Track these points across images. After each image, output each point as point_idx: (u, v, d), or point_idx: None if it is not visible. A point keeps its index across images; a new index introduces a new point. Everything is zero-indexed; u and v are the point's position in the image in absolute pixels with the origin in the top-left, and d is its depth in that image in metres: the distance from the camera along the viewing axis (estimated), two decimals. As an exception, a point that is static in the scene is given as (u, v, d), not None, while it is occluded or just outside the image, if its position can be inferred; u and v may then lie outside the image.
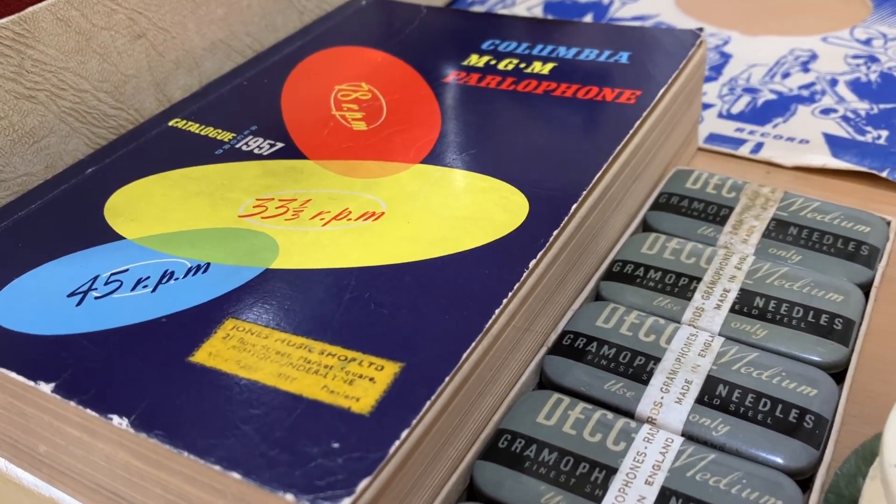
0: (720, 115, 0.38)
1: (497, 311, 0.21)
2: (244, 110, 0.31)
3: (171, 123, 0.31)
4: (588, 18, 0.47)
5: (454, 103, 0.31)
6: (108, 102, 0.30)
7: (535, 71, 0.32)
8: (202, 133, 0.30)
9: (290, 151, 0.29)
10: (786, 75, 0.40)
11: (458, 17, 0.37)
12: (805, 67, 0.41)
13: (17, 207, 0.27)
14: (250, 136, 0.30)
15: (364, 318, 0.22)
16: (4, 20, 0.26)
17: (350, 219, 0.25)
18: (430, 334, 0.21)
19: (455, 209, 0.25)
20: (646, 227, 0.30)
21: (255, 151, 0.29)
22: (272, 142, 0.29)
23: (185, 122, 0.31)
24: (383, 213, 0.25)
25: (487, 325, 0.21)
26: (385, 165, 0.28)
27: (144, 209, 0.26)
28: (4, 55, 0.26)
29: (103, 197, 0.27)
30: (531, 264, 0.23)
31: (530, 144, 0.28)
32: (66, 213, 0.26)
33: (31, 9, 0.27)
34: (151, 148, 0.30)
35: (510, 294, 0.22)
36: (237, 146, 0.29)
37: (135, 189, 0.27)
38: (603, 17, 0.47)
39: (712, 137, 0.36)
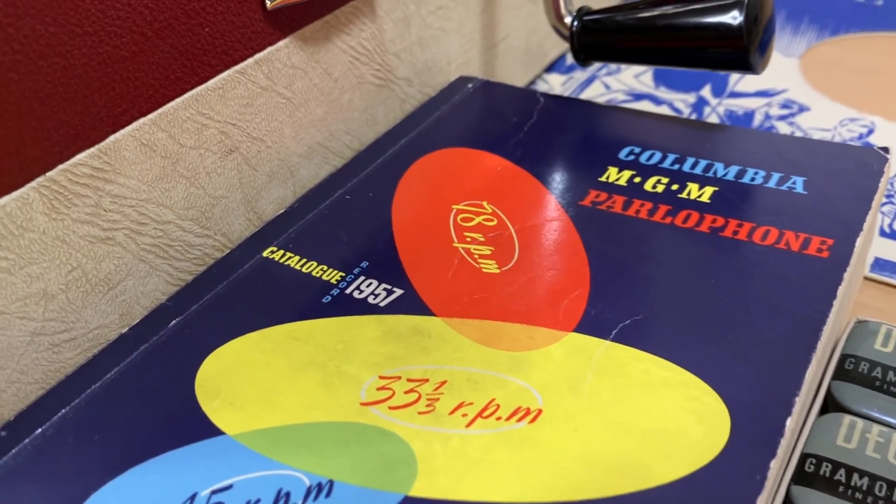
0: (882, 234, 0.33)
1: None
2: (350, 238, 0.27)
3: (265, 254, 0.26)
4: (706, 90, 0.42)
5: (599, 239, 0.26)
6: (194, 231, 0.25)
7: (693, 197, 0.27)
8: (304, 270, 0.25)
9: (413, 302, 0.24)
10: (949, 178, 0.35)
11: (583, 110, 0.32)
12: (971, 169, 0.35)
13: (89, 377, 0.22)
14: (362, 278, 0.25)
15: None
16: (82, 155, 0.21)
17: (500, 417, 0.21)
18: None
19: (634, 413, 0.20)
20: (830, 400, 0.25)
21: (370, 301, 0.24)
22: (389, 286, 0.25)
23: (281, 252, 0.26)
24: (540, 412, 0.21)
25: None
26: (531, 332, 0.23)
27: (245, 386, 0.22)
28: (81, 196, 0.21)
29: (193, 364, 0.22)
30: (750, 516, 0.18)
31: (710, 313, 0.23)
32: (150, 390, 0.22)
33: (112, 137, 0.22)
34: (245, 290, 0.25)
35: (734, 570, 0.17)
36: (348, 291, 0.24)
37: (230, 353, 0.23)
38: (723, 90, 0.42)
39: (879, 264, 0.31)
